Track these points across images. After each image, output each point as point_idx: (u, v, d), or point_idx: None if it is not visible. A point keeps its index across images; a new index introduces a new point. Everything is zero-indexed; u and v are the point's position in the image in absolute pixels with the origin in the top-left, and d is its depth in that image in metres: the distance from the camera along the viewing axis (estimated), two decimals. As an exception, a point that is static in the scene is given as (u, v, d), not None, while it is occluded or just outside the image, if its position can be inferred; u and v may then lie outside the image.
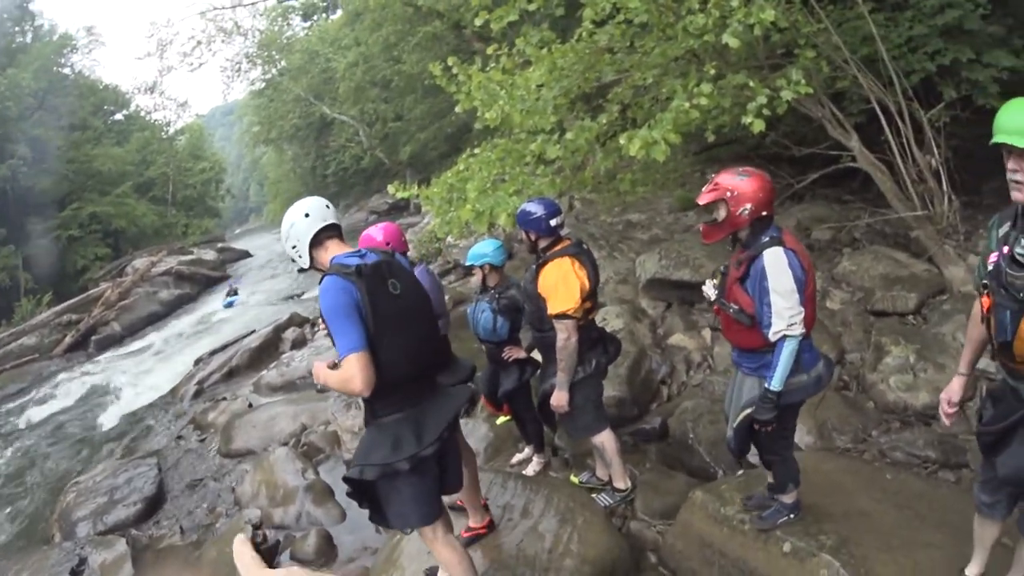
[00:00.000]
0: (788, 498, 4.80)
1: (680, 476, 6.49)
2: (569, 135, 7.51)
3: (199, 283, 32.52)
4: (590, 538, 5.25)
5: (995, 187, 2.94)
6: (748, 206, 4.09)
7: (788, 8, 7.36)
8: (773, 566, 4.66)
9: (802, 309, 4.06)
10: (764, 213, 4.14)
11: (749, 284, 4.16)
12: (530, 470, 6.87)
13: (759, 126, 6.48)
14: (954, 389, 3.76)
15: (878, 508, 4.95)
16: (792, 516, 4.81)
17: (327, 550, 7.22)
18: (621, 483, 6.15)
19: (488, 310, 6.33)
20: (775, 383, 4.11)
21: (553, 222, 5.48)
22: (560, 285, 5.31)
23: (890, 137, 8.13)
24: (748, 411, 4.32)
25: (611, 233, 13.14)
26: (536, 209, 5.52)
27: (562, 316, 5.32)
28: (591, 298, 5.59)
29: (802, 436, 6.36)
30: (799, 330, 4.04)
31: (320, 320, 9.81)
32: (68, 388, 19.50)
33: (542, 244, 5.58)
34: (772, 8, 6.24)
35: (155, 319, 27.33)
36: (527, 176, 8.11)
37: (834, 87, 8.67)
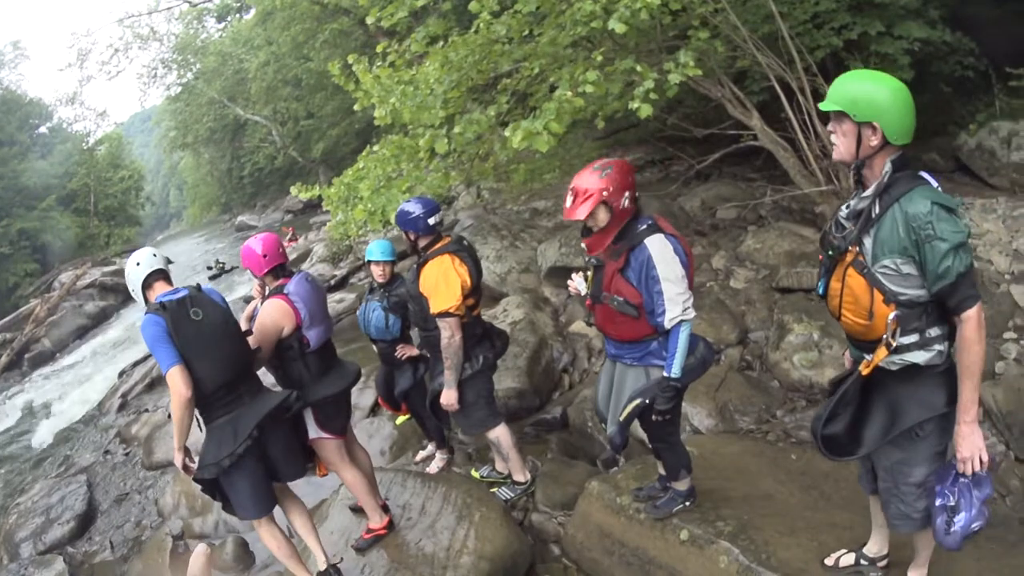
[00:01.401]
0: (682, 485, 4.78)
1: (581, 465, 6.45)
2: (457, 128, 7.48)
3: (123, 293, 31.36)
4: (487, 534, 5.22)
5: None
6: (626, 194, 4.08)
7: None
8: (672, 555, 4.64)
9: (691, 293, 4.07)
10: (636, 195, 4.17)
11: (632, 274, 4.11)
12: (434, 467, 6.87)
13: (647, 111, 6.44)
14: None
15: (782, 490, 4.95)
16: (688, 503, 4.80)
17: (244, 556, 7.19)
18: (520, 476, 6.18)
19: (379, 308, 6.40)
20: (675, 370, 4.08)
21: (431, 220, 5.48)
22: (441, 284, 5.32)
23: (791, 114, 8.14)
24: (637, 402, 4.25)
25: (515, 222, 13.11)
26: (414, 208, 5.52)
27: (444, 314, 5.31)
28: (474, 294, 5.59)
29: (703, 419, 6.38)
30: (692, 314, 4.05)
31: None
32: (5, 409, 19.62)
33: (422, 243, 5.59)
34: None
35: (83, 332, 27.22)
36: (420, 172, 8.09)
37: (735, 67, 8.68)
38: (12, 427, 17.74)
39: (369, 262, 6.58)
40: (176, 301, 4.43)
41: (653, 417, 4.29)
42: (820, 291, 3.41)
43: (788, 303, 7.66)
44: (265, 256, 5.15)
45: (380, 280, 6.54)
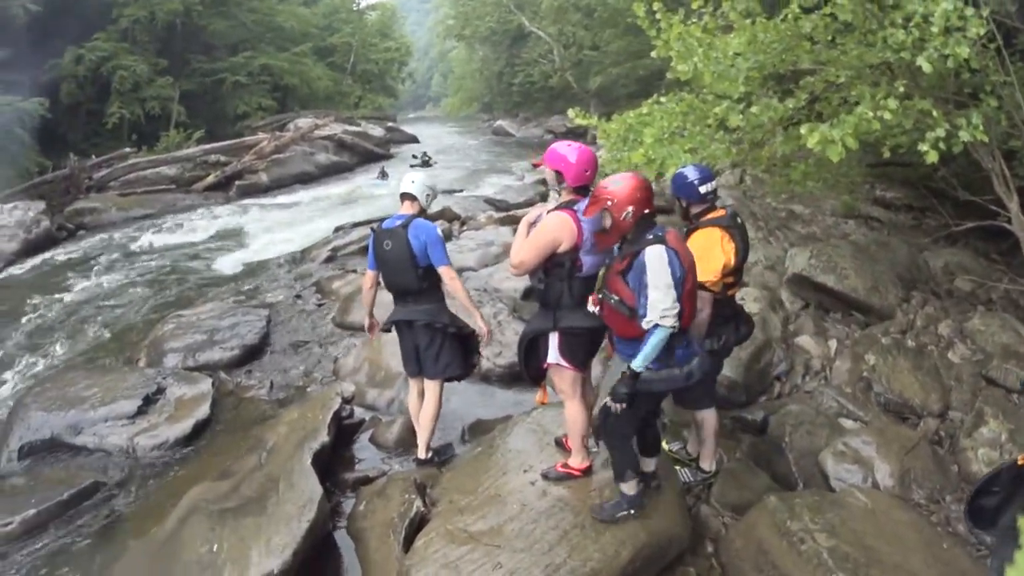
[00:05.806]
0: (628, 488, 4.91)
1: (763, 476, 6.36)
2: (754, 109, 7.54)
3: (359, 155, 32.56)
4: (658, 507, 5.19)
5: None
6: (629, 209, 4.45)
7: (983, 52, 7.26)
8: (813, 596, 4.64)
9: (678, 305, 4.31)
10: (646, 211, 4.51)
11: (630, 277, 4.45)
12: None
13: (933, 157, 6.44)
14: None
15: (926, 574, 4.88)
16: (632, 512, 4.90)
17: (408, 441, 7.02)
18: (707, 464, 6.18)
19: None
20: (637, 363, 4.40)
21: (703, 189, 5.50)
22: (703, 255, 5.18)
23: (1046, 211, 7.97)
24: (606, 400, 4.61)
25: (772, 217, 12.94)
26: (690, 174, 5.55)
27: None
28: (734, 274, 5.61)
29: (885, 477, 6.30)
30: (670, 323, 4.30)
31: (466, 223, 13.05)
32: (197, 224, 19.81)
33: (694, 210, 5.62)
34: (968, 47, 6.23)
35: (305, 180, 27.50)
36: (704, 138, 8.19)
37: (1008, 144, 8.50)
38: (199, 243, 17.86)
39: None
40: (384, 230, 6.31)
41: (610, 406, 4.55)
42: None
43: (991, 395, 7.47)
44: (586, 171, 4.98)
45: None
